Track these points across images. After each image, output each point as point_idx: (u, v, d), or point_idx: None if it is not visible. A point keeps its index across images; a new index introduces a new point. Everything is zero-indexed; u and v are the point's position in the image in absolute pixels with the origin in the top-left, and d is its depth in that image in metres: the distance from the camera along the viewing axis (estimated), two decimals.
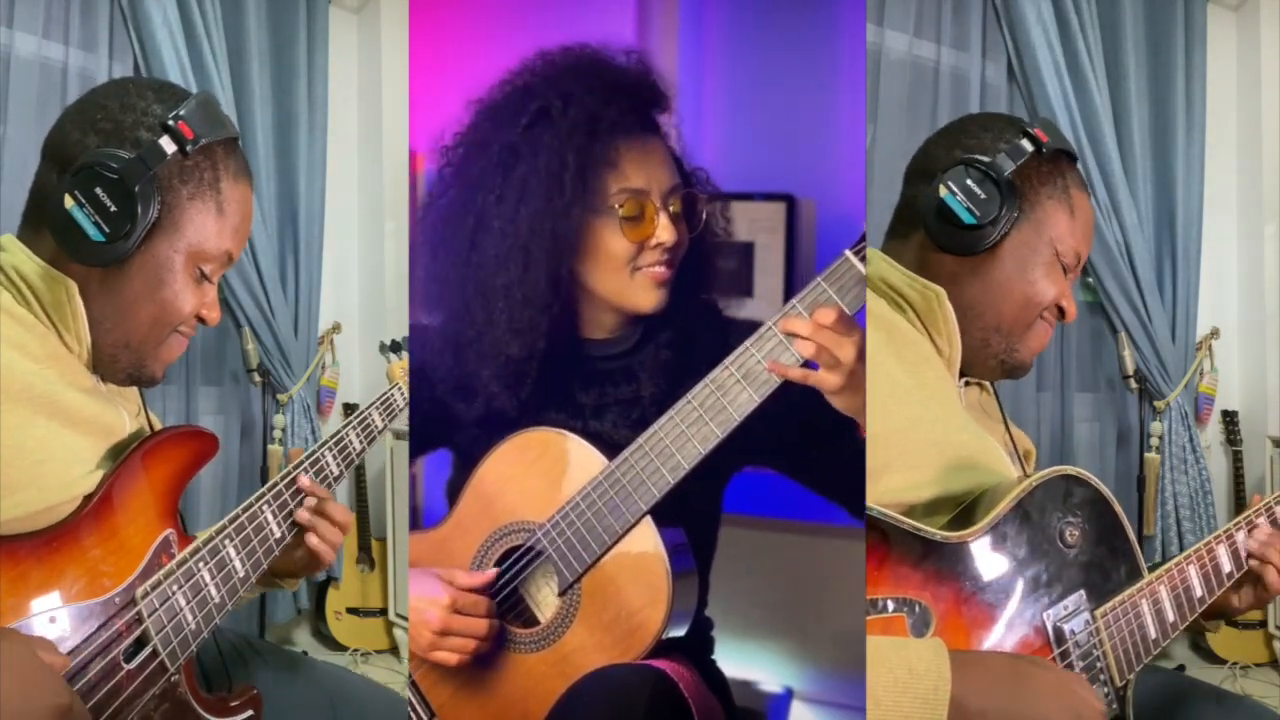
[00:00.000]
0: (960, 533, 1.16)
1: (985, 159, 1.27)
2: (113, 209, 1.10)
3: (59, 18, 2.86)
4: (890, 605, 1.11)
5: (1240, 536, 1.32)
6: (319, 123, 3.35)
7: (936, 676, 1.03)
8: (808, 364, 1.24)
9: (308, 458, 1.33)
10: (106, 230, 1.11)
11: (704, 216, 1.41)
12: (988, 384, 1.41)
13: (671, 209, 1.38)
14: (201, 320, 1.22)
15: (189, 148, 1.14)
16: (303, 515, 1.29)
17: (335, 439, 1.37)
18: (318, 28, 3.35)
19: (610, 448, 1.32)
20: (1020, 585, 1.18)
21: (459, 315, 1.39)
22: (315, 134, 3.34)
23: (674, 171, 1.40)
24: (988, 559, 1.17)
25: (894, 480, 1.19)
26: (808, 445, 1.38)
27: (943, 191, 1.26)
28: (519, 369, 1.36)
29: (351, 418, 1.41)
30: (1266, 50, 3.36)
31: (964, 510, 1.23)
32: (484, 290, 1.36)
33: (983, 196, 1.26)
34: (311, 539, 1.30)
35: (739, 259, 2.53)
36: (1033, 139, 1.29)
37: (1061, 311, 1.33)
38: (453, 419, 1.42)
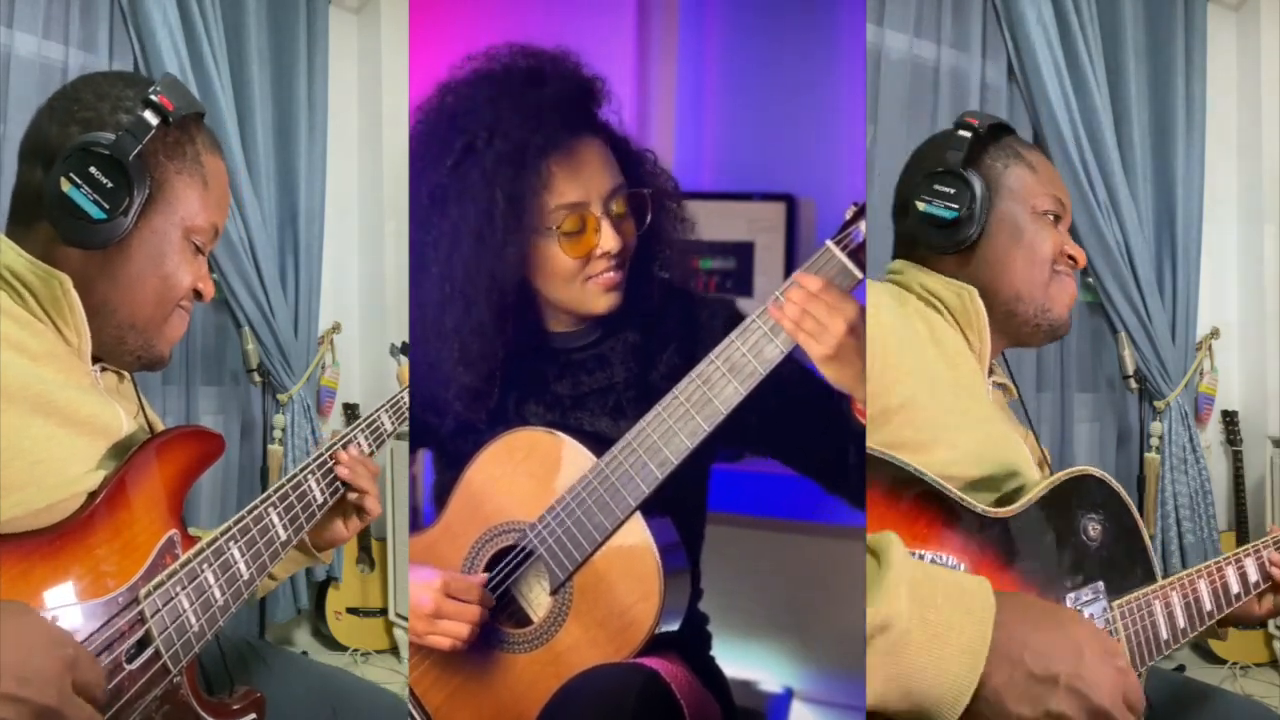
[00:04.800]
0: (998, 510, 1.23)
1: (940, 160, 1.35)
2: (109, 185, 1.13)
3: (59, 18, 2.86)
4: (931, 558, 1.17)
5: (1249, 564, 1.35)
6: (319, 123, 3.35)
7: (984, 598, 1.06)
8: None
9: (314, 460, 1.32)
10: (106, 207, 1.13)
11: (649, 212, 1.40)
12: (1012, 388, 1.46)
13: (615, 210, 1.38)
14: (198, 295, 1.25)
15: (170, 119, 1.17)
16: (342, 471, 1.33)
17: (345, 442, 1.37)
18: (318, 28, 3.35)
19: (591, 437, 1.33)
20: (1046, 568, 1.24)
21: (418, 343, 1.41)
22: (315, 134, 3.34)
23: (614, 170, 1.38)
24: (1019, 539, 1.23)
25: (940, 454, 1.23)
26: (801, 432, 1.39)
27: (920, 206, 1.36)
28: (486, 378, 1.38)
29: (360, 420, 1.41)
30: (1266, 50, 3.36)
31: (996, 501, 1.28)
32: (434, 327, 1.38)
33: (952, 191, 1.35)
34: (353, 496, 1.34)
35: (738, 259, 2.53)
36: (966, 126, 1.37)
37: (1072, 259, 1.40)
38: (433, 422, 1.43)
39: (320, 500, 1.32)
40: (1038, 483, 1.28)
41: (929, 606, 1.03)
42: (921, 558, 1.17)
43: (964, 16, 3.11)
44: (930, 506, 1.19)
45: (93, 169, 1.13)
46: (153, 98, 1.16)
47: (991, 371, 1.43)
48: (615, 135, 1.41)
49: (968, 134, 1.37)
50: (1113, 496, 1.30)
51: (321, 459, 1.33)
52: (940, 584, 1.06)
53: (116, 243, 1.15)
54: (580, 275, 1.37)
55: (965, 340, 1.35)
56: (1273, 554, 1.36)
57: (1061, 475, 1.28)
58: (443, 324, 1.37)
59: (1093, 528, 1.27)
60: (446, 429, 1.42)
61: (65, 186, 1.12)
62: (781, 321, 1.25)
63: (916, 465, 1.19)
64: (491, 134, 1.33)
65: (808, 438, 1.39)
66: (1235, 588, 1.34)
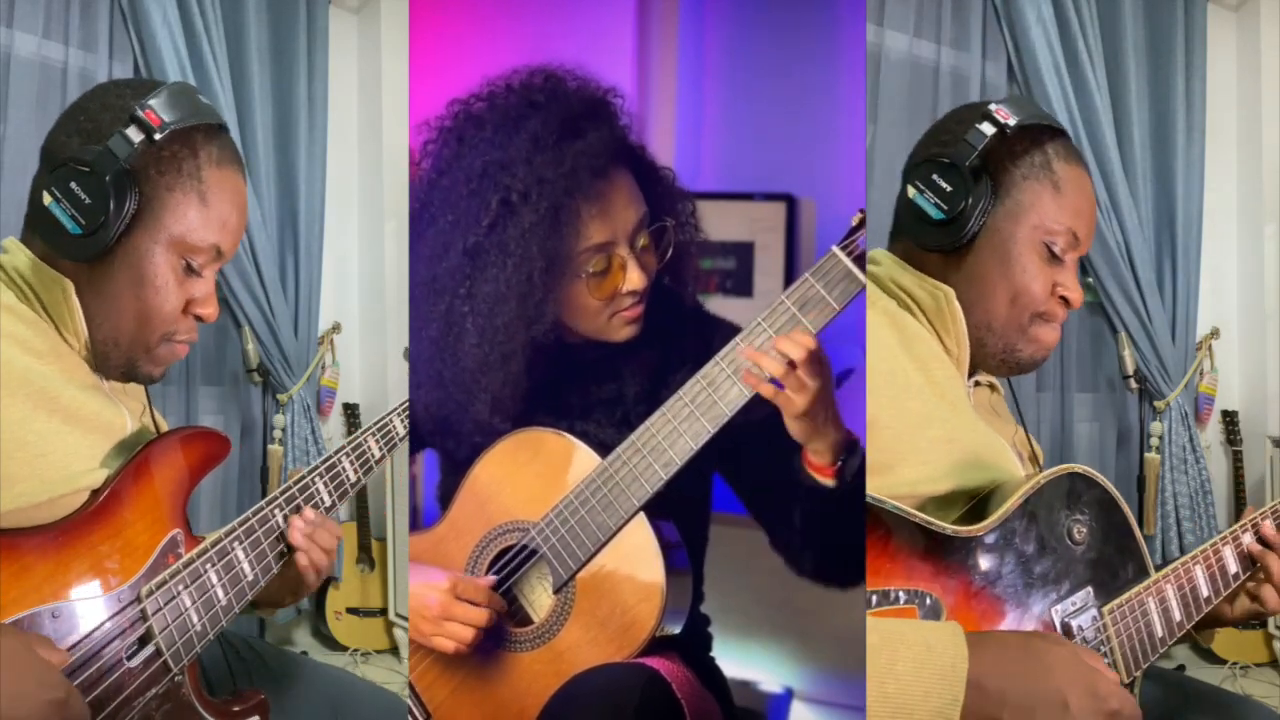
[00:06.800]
0: (970, 528, 1.17)
1: (948, 151, 1.24)
2: (87, 201, 1.11)
3: (59, 18, 2.86)
4: (902, 597, 1.12)
5: (1246, 539, 1.30)
6: (319, 123, 3.34)
7: (954, 654, 1.03)
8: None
9: (323, 463, 1.32)
10: (82, 223, 1.11)
11: (671, 241, 1.40)
12: (999, 384, 1.40)
13: (640, 244, 1.37)
14: (199, 318, 1.21)
15: (156, 135, 1.14)
16: (296, 536, 1.25)
17: (354, 446, 1.36)
18: (318, 28, 3.35)
19: (598, 446, 1.33)
20: (1028, 581, 1.19)
21: (438, 384, 1.40)
22: (315, 134, 3.33)
23: (639, 200, 1.38)
24: (996, 554, 1.18)
25: (907, 473, 1.18)
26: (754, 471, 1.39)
27: (911, 191, 1.25)
28: (498, 385, 1.37)
29: (370, 425, 1.40)
30: (1266, 50, 3.35)
31: (973, 507, 1.24)
32: (461, 368, 1.37)
33: (948, 189, 1.22)
34: (301, 559, 1.25)
35: (738, 259, 2.53)
36: (993, 120, 1.23)
37: (1066, 300, 1.28)
38: (441, 426, 1.43)
39: (328, 503, 1.31)
40: (1022, 481, 1.22)
41: (888, 678, 1.01)
42: (886, 595, 1.12)
43: (964, 16, 3.12)
44: (897, 536, 1.13)
45: (73, 184, 1.11)
46: (139, 113, 1.13)
47: (976, 368, 1.35)
48: (635, 154, 1.39)
49: (991, 130, 1.23)
50: (1099, 493, 1.23)
51: (330, 461, 1.33)
52: (904, 647, 1.03)
53: (99, 258, 1.13)
54: (605, 311, 1.37)
55: (941, 344, 1.27)
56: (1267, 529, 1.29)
57: (1041, 478, 1.20)
58: (468, 366, 1.37)
59: (1078, 530, 1.21)
60: (452, 430, 1.42)
61: (47, 200, 1.11)
62: (760, 387, 1.22)
63: (879, 489, 1.13)
64: (526, 190, 1.31)
65: (758, 476, 1.38)
66: (1233, 567, 1.29)
